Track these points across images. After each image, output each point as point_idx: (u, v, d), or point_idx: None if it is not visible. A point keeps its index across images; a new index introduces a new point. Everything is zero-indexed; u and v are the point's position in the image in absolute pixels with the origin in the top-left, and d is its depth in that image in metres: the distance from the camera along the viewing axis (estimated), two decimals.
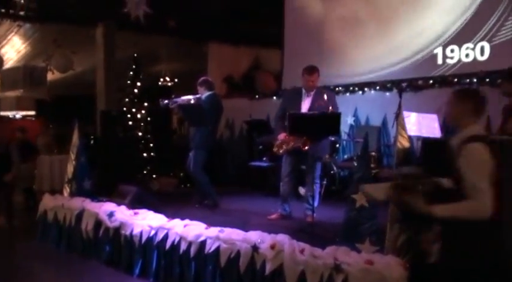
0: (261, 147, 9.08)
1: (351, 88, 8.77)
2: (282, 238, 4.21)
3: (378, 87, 8.42)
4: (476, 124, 2.88)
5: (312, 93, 5.89)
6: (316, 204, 5.81)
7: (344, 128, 8.26)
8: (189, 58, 13.04)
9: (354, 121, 8.64)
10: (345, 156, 8.64)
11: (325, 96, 5.70)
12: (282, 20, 10.17)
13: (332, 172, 7.79)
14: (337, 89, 8.85)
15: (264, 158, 8.76)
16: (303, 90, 5.96)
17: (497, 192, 2.59)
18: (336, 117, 5.20)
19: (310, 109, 5.79)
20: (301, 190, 6.76)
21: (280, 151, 5.97)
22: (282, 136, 5.92)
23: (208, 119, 6.51)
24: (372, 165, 7.15)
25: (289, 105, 5.95)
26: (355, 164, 6.10)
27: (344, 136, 8.52)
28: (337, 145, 8.24)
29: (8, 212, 7.69)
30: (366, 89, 8.60)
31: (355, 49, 8.80)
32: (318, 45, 9.38)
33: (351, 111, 8.60)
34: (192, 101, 6.82)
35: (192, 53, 12.79)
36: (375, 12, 8.61)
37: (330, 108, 5.48)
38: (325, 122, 5.23)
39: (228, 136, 10.97)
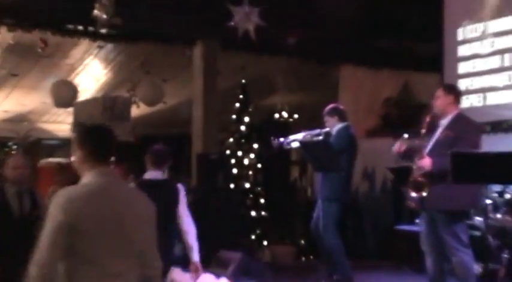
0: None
1: None
2: None
3: None
4: None
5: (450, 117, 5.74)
6: None
7: None
8: (314, 87, 13.14)
9: None
10: None
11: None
12: (441, 34, 9.98)
13: None
14: None
15: (418, 220, 8.47)
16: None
17: None
18: None
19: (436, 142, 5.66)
20: None
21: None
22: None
23: (341, 162, 6.46)
24: None
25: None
26: None
27: None
28: None
29: None
30: None
31: None
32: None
33: None
34: (319, 137, 6.80)
35: (317, 80, 12.87)
36: None
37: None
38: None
39: (366, 190, 10.79)
